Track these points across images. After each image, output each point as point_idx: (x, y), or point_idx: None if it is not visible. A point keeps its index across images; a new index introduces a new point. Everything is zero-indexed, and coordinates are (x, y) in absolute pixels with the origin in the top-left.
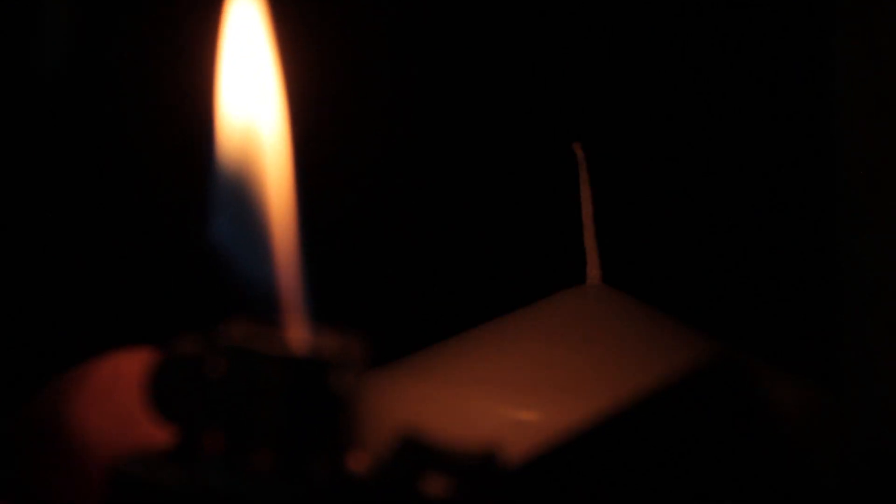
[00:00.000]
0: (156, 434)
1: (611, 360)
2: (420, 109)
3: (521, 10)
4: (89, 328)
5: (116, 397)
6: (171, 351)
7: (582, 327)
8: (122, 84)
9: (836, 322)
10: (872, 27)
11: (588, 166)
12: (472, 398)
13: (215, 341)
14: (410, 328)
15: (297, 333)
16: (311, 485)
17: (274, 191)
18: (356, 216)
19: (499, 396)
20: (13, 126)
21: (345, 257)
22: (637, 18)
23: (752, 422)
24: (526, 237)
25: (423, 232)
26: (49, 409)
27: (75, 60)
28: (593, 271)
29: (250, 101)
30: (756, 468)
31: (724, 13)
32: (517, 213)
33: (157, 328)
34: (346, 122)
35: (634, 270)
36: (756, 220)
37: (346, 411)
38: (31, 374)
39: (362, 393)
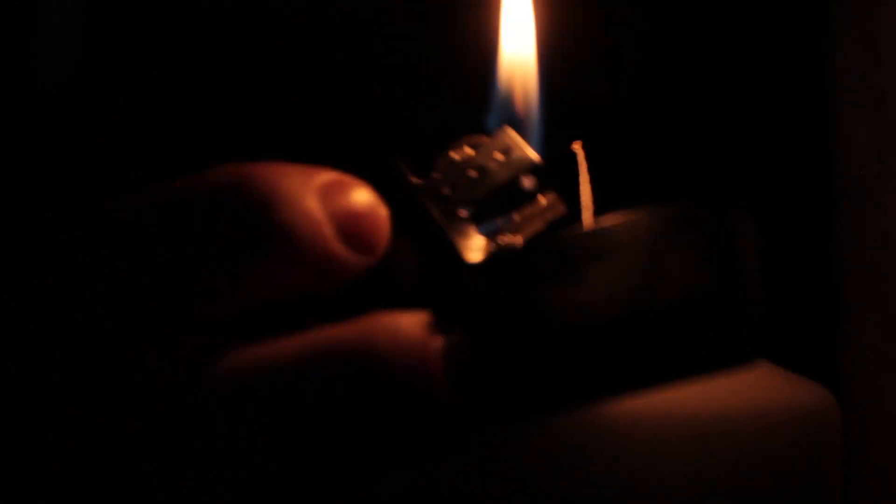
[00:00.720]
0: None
1: None
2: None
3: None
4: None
5: (336, 198)
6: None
7: None
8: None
9: (836, 322)
10: (872, 27)
11: (588, 166)
12: None
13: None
14: None
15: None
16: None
17: (527, 95)
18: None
19: None
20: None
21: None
22: (637, 19)
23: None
24: None
25: None
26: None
27: None
28: None
29: (517, 40)
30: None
31: (723, 13)
32: None
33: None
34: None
35: None
36: (755, 220)
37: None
38: None
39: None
